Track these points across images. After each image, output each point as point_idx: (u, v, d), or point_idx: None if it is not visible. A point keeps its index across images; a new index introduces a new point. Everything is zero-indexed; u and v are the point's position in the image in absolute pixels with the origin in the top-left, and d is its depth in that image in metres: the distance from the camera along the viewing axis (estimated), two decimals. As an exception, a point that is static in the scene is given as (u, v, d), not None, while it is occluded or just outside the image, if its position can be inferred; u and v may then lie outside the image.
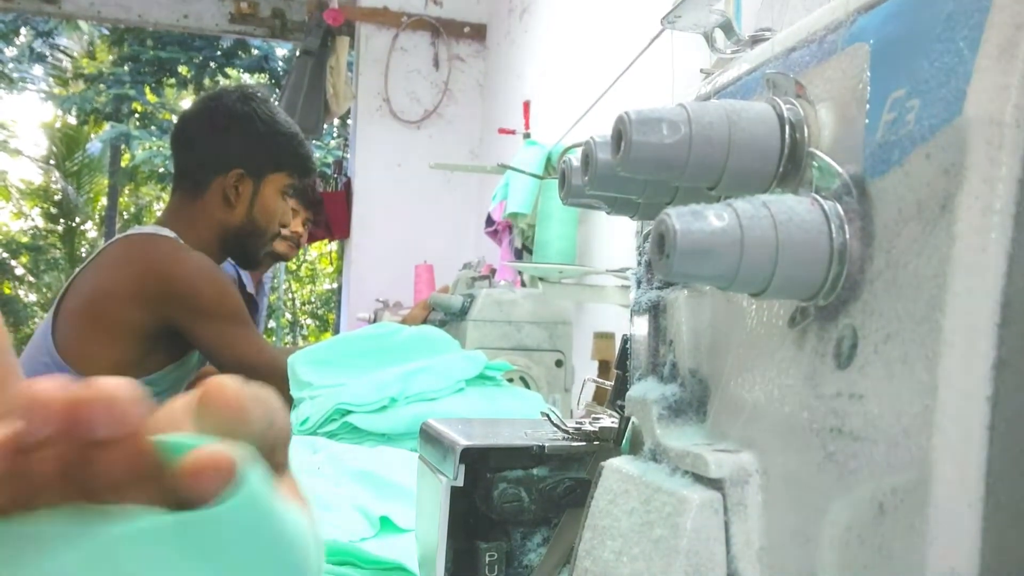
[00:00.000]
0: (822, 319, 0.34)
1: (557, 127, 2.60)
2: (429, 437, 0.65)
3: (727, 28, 0.51)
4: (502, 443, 0.58)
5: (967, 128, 0.28)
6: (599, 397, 1.32)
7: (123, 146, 11.31)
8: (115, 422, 0.28)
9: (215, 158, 1.73)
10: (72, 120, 11.67)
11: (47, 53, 11.36)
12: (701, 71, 0.53)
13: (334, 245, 5.14)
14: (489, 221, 2.67)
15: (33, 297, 12.43)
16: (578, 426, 0.61)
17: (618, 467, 0.44)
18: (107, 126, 11.14)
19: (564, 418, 0.63)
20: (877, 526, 0.29)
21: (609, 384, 0.63)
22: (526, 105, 2.80)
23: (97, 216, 12.51)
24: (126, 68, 10.50)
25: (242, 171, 1.73)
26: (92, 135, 11.65)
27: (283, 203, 1.81)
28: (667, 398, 0.43)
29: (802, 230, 0.32)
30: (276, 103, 1.99)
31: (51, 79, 11.89)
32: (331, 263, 9.99)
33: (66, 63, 11.72)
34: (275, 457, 0.32)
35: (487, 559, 0.58)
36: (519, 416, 1.21)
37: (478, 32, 3.85)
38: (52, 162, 12.02)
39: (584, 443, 0.59)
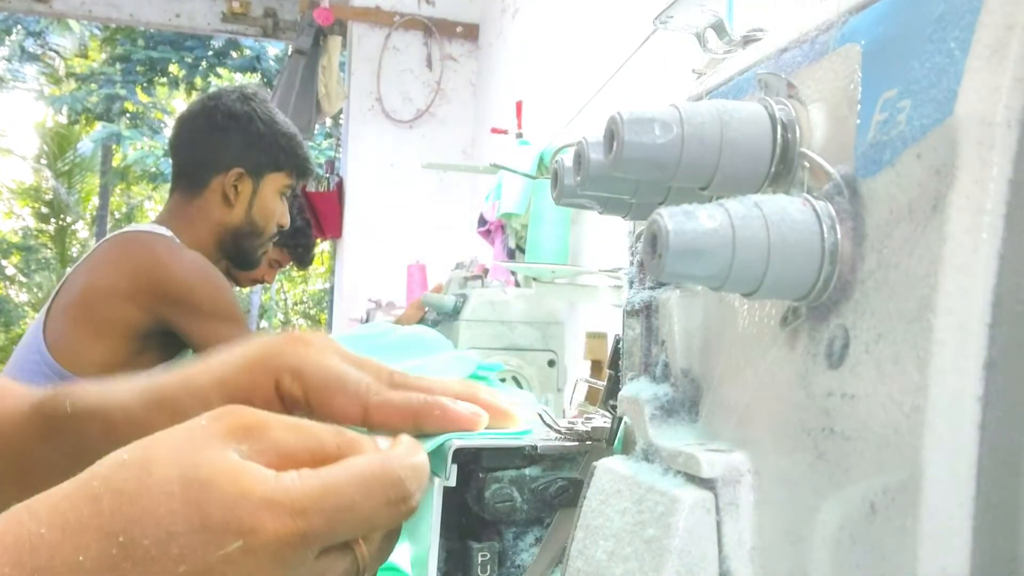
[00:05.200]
0: (814, 319, 0.34)
1: (549, 127, 2.60)
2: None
3: (719, 28, 0.51)
4: (494, 443, 0.58)
5: (958, 128, 0.28)
6: (591, 397, 1.32)
7: (114, 146, 11.28)
8: None
9: (215, 157, 1.73)
10: (63, 119, 11.63)
11: (38, 52, 11.33)
12: (693, 71, 0.53)
13: (326, 245, 5.13)
14: (482, 221, 2.67)
15: (24, 297, 12.38)
16: (571, 426, 0.61)
17: (610, 467, 0.44)
18: (98, 126, 11.11)
19: (557, 418, 0.63)
20: (868, 525, 0.29)
21: (601, 384, 0.63)
22: (519, 105, 2.80)
23: (88, 216, 12.47)
24: (117, 68, 10.47)
25: (242, 170, 1.73)
26: (83, 135, 11.61)
27: (281, 204, 1.81)
28: (659, 398, 0.43)
29: (794, 230, 0.32)
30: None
31: (43, 78, 11.86)
32: (323, 263, 9.98)
33: (58, 62, 11.68)
34: None
35: (479, 559, 0.58)
36: (512, 416, 1.20)
37: (470, 32, 3.85)
38: (43, 161, 11.97)
39: (577, 443, 0.59)
